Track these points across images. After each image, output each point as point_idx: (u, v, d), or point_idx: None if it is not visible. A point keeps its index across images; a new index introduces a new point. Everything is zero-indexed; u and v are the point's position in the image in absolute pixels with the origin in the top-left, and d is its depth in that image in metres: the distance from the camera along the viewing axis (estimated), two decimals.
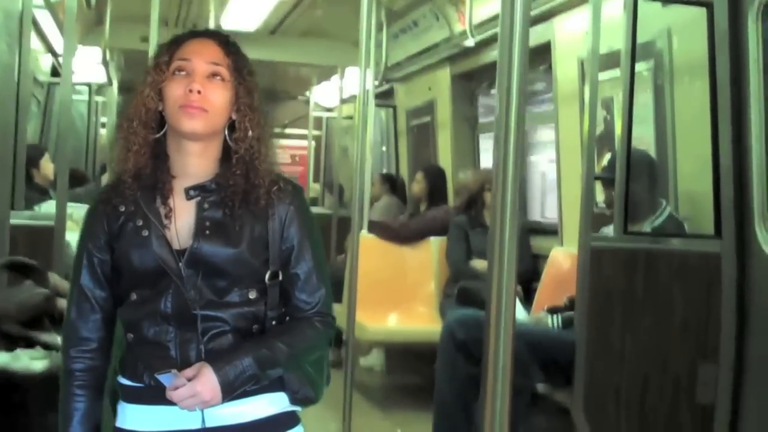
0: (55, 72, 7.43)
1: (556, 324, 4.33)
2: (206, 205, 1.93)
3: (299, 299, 1.99)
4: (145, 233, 1.90)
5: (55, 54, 7.12)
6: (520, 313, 4.65)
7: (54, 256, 3.60)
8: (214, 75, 1.91)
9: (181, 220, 1.93)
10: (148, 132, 1.92)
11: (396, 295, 6.15)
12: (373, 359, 6.77)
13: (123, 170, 1.94)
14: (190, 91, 1.87)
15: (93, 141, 8.69)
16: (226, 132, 1.96)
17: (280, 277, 1.96)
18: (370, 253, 5.94)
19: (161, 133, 1.93)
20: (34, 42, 5.86)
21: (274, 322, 1.96)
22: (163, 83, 1.91)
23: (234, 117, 1.95)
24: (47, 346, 2.75)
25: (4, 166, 3.52)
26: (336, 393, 4.27)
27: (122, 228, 1.92)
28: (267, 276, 1.94)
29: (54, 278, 3.06)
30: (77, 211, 3.83)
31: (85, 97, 8.17)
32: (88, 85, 8.00)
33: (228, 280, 1.91)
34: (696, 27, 4.06)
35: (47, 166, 6.32)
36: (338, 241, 8.01)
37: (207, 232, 1.90)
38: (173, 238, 1.91)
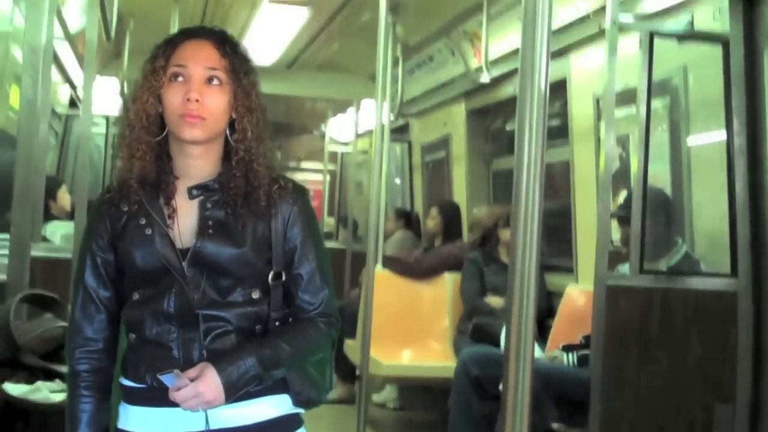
0: (72, 103, 7.49)
1: (571, 362, 4.31)
2: (209, 205, 1.92)
3: (302, 300, 1.98)
4: (149, 232, 1.89)
5: (73, 85, 7.19)
6: (536, 350, 4.62)
7: (71, 287, 3.60)
8: (211, 80, 1.89)
9: (184, 219, 1.92)
10: (151, 136, 1.91)
11: (410, 330, 6.12)
12: (387, 395, 6.73)
13: (130, 174, 1.93)
14: (188, 99, 1.85)
15: (110, 173, 8.72)
16: (228, 131, 1.95)
17: (284, 278, 1.96)
18: (385, 288, 5.93)
19: (162, 135, 1.92)
20: (53, 74, 5.92)
21: (277, 323, 1.95)
22: (161, 89, 1.90)
23: (234, 117, 1.94)
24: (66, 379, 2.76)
25: (25, 199, 3.54)
26: (349, 429, 4.26)
27: (125, 227, 1.92)
28: (270, 276, 1.94)
29: None
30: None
31: (102, 129, 8.21)
32: (106, 117, 8.05)
33: (231, 279, 1.90)
34: (712, 64, 4.07)
35: (64, 197, 6.34)
36: (352, 275, 8.00)
37: (210, 231, 1.90)
38: (176, 238, 1.90)
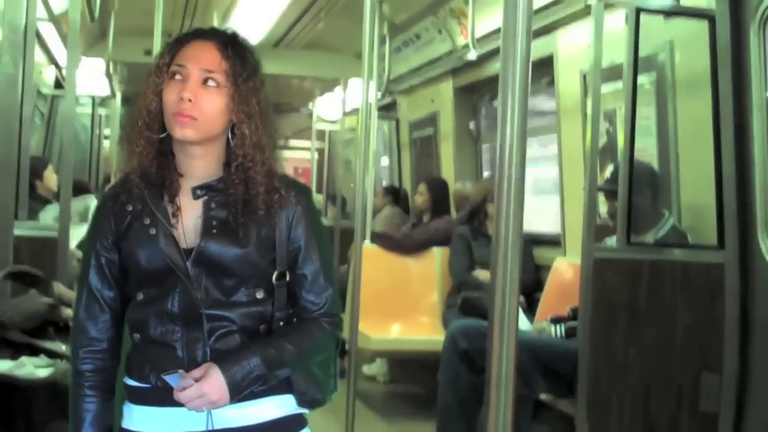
0: (58, 84, 7.46)
1: (559, 334, 4.34)
2: (213, 205, 1.92)
3: (307, 300, 1.98)
4: (153, 231, 1.90)
5: (58, 66, 7.15)
6: (523, 322, 4.65)
7: (58, 266, 3.61)
8: (207, 81, 1.88)
9: (188, 219, 1.92)
10: (152, 133, 1.91)
11: (399, 305, 6.15)
12: (376, 368, 6.77)
13: (130, 169, 1.93)
14: (181, 99, 1.85)
15: (96, 153, 8.72)
16: (230, 135, 1.94)
17: (288, 278, 1.96)
18: (373, 264, 5.94)
19: (165, 133, 1.92)
20: (38, 54, 5.89)
21: (281, 323, 1.95)
22: (162, 86, 1.90)
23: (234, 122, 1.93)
24: (51, 354, 2.76)
25: (7, 177, 3.53)
26: (339, 402, 4.26)
27: (129, 227, 1.92)
28: (274, 276, 1.94)
29: (58, 287, 3.07)
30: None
31: (89, 109, 8.20)
32: (92, 97, 8.03)
33: (235, 279, 1.90)
34: (698, 39, 4.07)
35: (50, 178, 6.34)
36: (341, 252, 8.01)
37: (214, 231, 1.90)
38: (180, 237, 1.90)
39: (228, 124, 1.92)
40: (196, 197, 1.94)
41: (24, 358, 2.73)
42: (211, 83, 1.88)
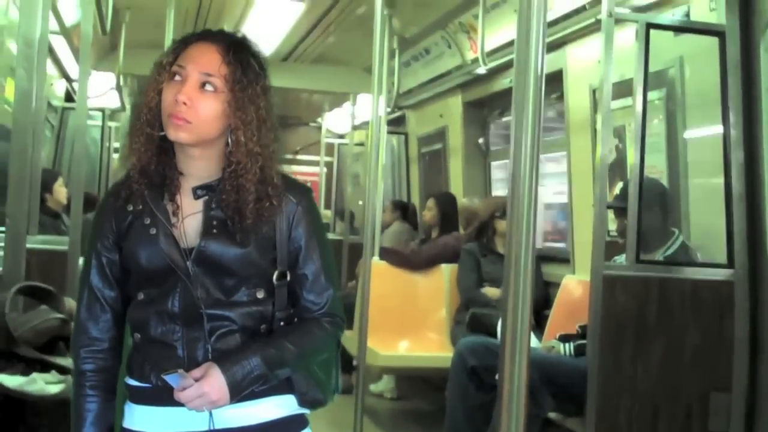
0: (69, 97, 7.49)
1: (568, 352, 4.32)
2: (213, 205, 1.92)
3: (307, 300, 1.98)
4: (153, 231, 1.89)
5: (69, 79, 7.19)
6: (532, 340, 4.60)
7: (68, 280, 3.61)
8: (206, 85, 1.87)
9: (189, 219, 1.92)
10: (153, 130, 1.90)
11: (407, 321, 6.14)
12: (384, 385, 6.75)
13: (130, 166, 1.93)
14: (176, 101, 1.85)
15: (106, 166, 8.72)
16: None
17: (288, 278, 1.95)
18: (382, 280, 5.94)
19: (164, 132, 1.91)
20: (49, 67, 5.91)
21: (282, 323, 1.95)
22: (162, 85, 1.90)
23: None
24: (62, 370, 2.76)
25: (20, 191, 3.54)
26: (347, 418, 4.27)
27: (130, 227, 1.92)
28: (275, 276, 1.94)
29: (69, 303, 3.07)
30: None
31: (99, 122, 8.21)
32: (102, 110, 8.04)
33: (235, 279, 1.90)
34: (708, 55, 4.07)
35: (60, 191, 6.35)
36: (349, 267, 8.01)
37: (214, 231, 1.89)
38: (181, 237, 1.90)
39: (226, 128, 1.90)
40: (196, 197, 1.94)
41: (35, 374, 2.74)
42: (208, 87, 1.87)
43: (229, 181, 1.90)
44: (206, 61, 1.88)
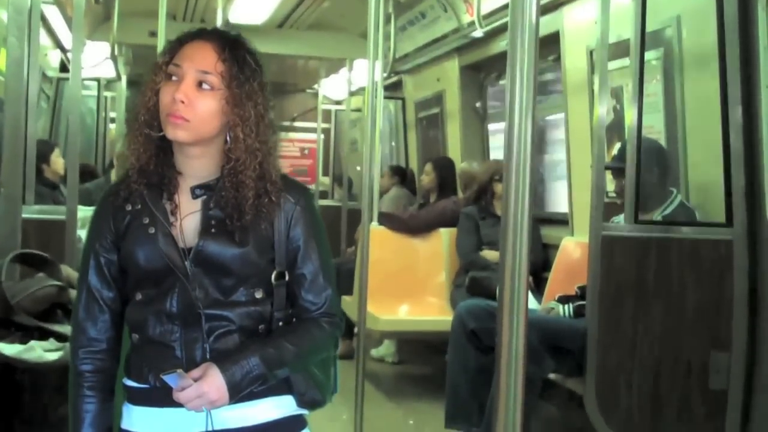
0: (64, 67, 7.46)
1: (567, 313, 4.33)
2: (212, 204, 1.91)
3: (306, 300, 1.97)
4: (152, 231, 1.89)
5: (63, 50, 7.15)
6: (532, 302, 4.65)
7: (65, 250, 3.61)
8: (201, 83, 1.86)
9: (187, 218, 1.91)
10: (151, 130, 1.90)
11: (406, 286, 6.16)
12: (385, 350, 6.78)
13: (129, 166, 1.92)
14: (174, 100, 1.84)
15: (102, 136, 8.71)
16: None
17: (287, 278, 1.95)
18: (381, 245, 5.96)
19: (163, 132, 1.90)
20: (43, 38, 5.88)
21: (280, 323, 1.94)
22: (159, 85, 1.88)
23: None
24: (60, 337, 2.77)
25: (14, 161, 3.53)
26: (348, 383, 4.28)
27: (128, 227, 1.91)
28: (273, 276, 1.93)
29: (66, 270, 3.07)
30: (86, 213, 3.85)
31: (94, 92, 8.18)
32: (97, 80, 8.01)
33: (234, 279, 1.89)
34: (705, 14, 4.05)
35: (57, 161, 6.34)
36: (348, 233, 8.02)
37: (213, 230, 1.89)
38: (179, 237, 1.89)
39: (224, 126, 1.90)
40: (195, 197, 1.93)
41: (33, 342, 2.74)
42: (205, 86, 1.86)
43: (229, 178, 1.89)
44: (202, 59, 1.87)
